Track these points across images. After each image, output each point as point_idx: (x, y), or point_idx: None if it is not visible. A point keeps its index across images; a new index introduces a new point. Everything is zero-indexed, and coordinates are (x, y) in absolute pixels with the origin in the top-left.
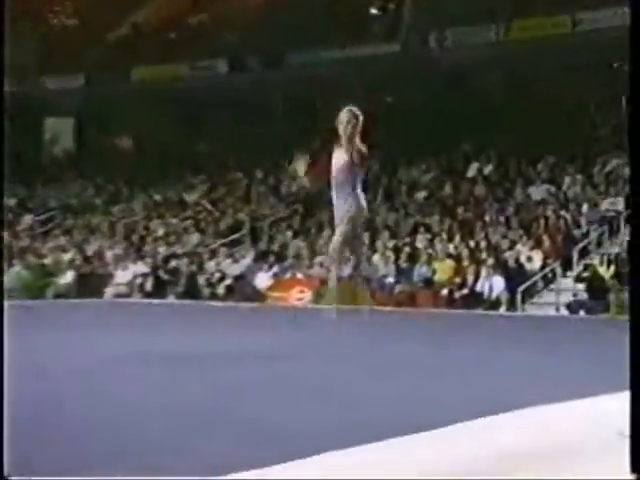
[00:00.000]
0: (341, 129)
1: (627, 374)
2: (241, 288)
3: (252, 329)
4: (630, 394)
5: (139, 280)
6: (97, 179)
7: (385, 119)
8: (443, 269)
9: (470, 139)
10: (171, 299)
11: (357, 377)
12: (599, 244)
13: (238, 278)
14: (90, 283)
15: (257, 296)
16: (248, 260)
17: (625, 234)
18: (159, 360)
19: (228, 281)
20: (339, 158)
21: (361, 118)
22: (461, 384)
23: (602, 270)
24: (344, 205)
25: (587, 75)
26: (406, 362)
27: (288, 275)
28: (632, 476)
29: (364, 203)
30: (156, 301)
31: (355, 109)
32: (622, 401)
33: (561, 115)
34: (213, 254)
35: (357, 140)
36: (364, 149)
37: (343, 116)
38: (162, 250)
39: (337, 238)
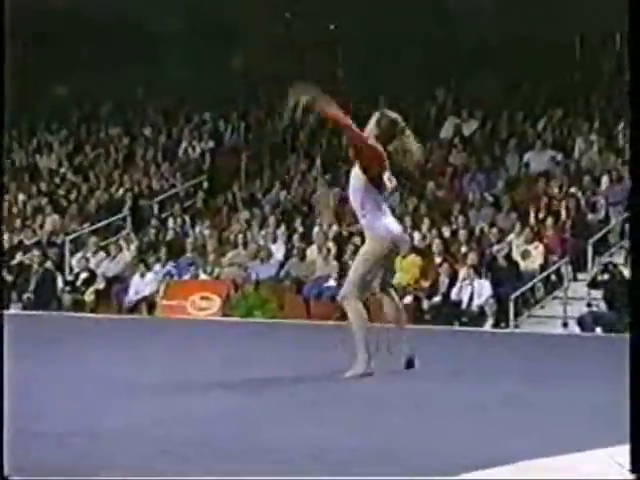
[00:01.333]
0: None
1: None
2: (118, 294)
3: (135, 350)
4: (630, 393)
5: None
6: None
7: (326, 54)
8: (406, 269)
9: (445, 84)
10: (15, 309)
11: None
12: (623, 235)
13: (114, 280)
14: None
15: (141, 305)
16: (129, 254)
17: None
18: None
19: (100, 284)
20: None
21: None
22: (428, 429)
23: (628, 271)
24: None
25: None
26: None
27: (187, 276)
28: (632, 476)
29: (392, 228)
30: None
31: (387, 114)
32: None
33: (572, 53)
34: (78, 246)
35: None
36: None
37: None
38: (2, 239)
39: (350, 279)
